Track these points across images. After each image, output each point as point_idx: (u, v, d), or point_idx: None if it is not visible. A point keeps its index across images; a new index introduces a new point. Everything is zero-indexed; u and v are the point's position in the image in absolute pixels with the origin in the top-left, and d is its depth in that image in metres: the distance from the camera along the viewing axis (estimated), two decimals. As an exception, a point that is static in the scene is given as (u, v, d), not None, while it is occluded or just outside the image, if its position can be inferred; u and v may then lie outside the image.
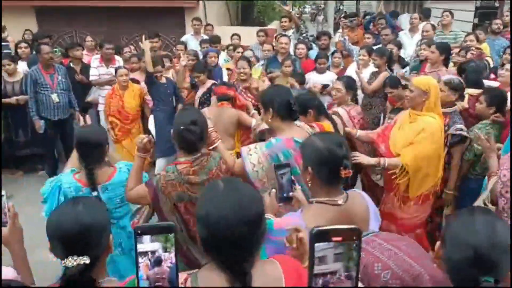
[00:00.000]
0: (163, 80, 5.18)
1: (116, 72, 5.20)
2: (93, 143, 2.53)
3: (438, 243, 1.22)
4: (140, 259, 0.95)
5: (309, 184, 1.75)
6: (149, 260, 0.95)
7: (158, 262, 0.95)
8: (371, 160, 3.05)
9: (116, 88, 5.19)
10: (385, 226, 3.05)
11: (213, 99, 4.82)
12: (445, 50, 4.50)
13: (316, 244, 0.75)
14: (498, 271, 1.13)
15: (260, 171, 2.35)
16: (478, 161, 3.31)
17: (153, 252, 0.95)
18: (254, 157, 2.38)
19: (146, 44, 4.99)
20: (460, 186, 3.44)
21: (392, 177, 3.03)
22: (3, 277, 1.47)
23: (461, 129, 3.24)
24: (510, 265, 1.13)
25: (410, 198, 3.08)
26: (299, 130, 2.50)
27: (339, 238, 0.76)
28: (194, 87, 5.39)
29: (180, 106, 5.19)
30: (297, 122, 2.57)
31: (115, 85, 5.21)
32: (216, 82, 5.03)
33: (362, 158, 3.02)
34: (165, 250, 0.95)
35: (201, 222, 1.21)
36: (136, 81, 5.40)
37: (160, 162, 5.11)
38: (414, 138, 2.98)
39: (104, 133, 2.77)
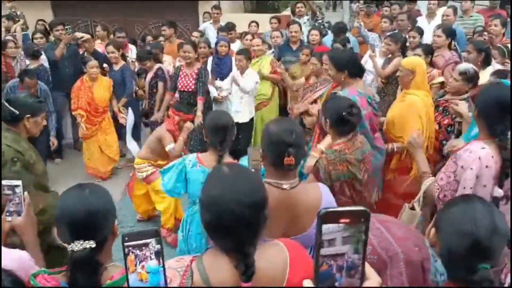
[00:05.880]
0: (116, 67, 5.33)
1: (85, 64, 5.22)
2: (230, 127, 2.56)
3: (432, 230, 1.22)
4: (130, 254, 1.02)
5: (262, 164, 1.85)
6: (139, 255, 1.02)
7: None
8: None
9: (85, 79, 5.14)
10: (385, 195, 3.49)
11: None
12: (451, 33, 4.60)
13: (324, 226, 0.76)
14: (494, 257, 1.17)
15: None
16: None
17: (144, 246, 1.02)
18: None
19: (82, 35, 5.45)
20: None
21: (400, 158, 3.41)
22: (19, 260, 1.52)
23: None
24: (502, 250, 1.18)
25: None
26: (362, 84, 3.23)
27: (347, 220, 0.76)
28: (139, 74, 5.60)
29: (123, 99, 5.27)
30: None
31: (84, 76, 5.18)
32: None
33: None
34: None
35: (205, 206, 1.23)
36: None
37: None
38: (404, 119, 3.29)
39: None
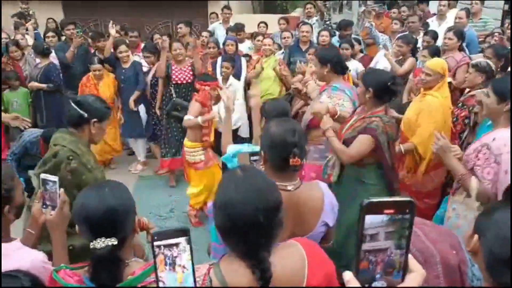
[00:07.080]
0: (126, 65, 5.40)
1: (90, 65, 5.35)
2: (289, 112, 2.83)
3: (475, 236, 1.21)
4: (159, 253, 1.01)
5: (263, 168, 1.78)
6: (167, 255, 1.02)
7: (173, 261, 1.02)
8: None
9: (91, 76, 5.33)
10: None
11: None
12: (462, 36, 4.60)
13: (367, 217, 0.73)
14: None
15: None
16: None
17: (174, 245, 1.02)
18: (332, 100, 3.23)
19: (112, 31, 5.46)
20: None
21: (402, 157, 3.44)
22: (34, 261, 1.55)
23: None
24: None
25: (418, 173, 3.35)
26: (344, 81, 3.48)
27: (391, 211, 0.73)
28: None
29: (137, 92, 5.35)
30: None
31: (90, 73, 5.35)
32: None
33: None
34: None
35: (220, 210, 1.22)
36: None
37: (132, 143, 5.76)
38: (417, 120, 3.30)
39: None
